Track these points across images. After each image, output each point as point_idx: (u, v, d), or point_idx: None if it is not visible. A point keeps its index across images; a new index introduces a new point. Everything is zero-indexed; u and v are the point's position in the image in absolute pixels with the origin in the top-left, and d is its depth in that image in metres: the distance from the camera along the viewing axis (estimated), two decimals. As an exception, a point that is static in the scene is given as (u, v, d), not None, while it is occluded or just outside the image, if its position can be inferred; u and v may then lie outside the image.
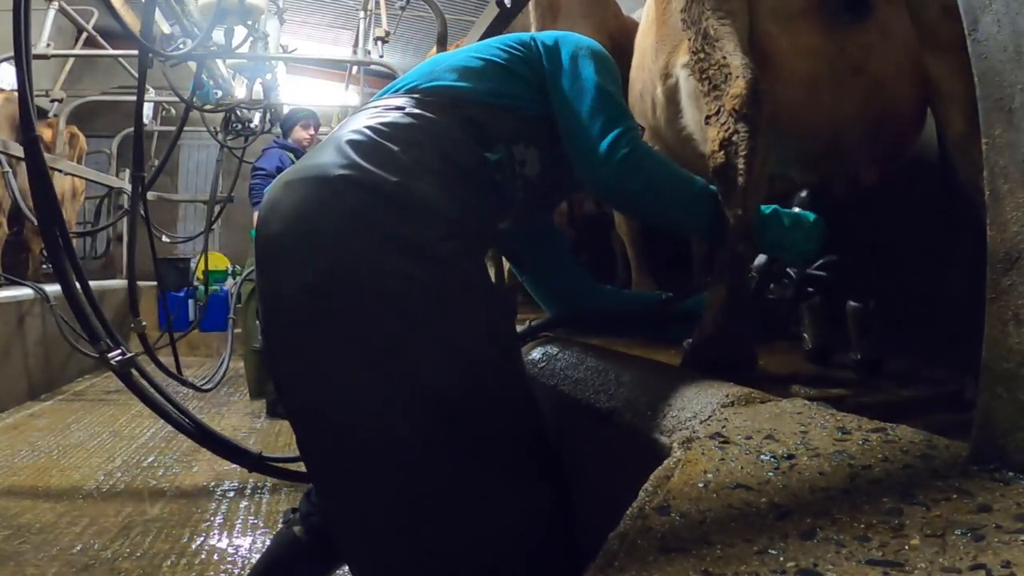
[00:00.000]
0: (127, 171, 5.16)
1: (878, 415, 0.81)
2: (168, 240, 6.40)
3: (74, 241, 5.90)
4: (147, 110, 6.28)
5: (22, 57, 1.49)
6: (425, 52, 5.08)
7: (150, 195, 5.62)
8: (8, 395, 3.95)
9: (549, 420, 1.18)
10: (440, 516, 1.01)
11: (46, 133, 5.07)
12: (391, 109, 1.15)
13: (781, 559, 0.51)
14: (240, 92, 4.43)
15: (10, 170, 4.37)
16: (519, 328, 1.53)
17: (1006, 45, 0.62)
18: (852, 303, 1.22)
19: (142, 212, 2.59)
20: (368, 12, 4.49)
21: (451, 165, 1.10)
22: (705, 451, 0.73)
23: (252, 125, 4.87)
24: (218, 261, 6.48)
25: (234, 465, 2.61)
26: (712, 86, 1.14)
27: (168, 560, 2.02)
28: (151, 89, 5.92)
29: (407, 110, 1.14)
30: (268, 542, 1.55)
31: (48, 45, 3.91)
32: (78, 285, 1.72)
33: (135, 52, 2.39)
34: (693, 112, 1.34)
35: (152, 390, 1.85)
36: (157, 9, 3.25)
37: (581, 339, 1.55)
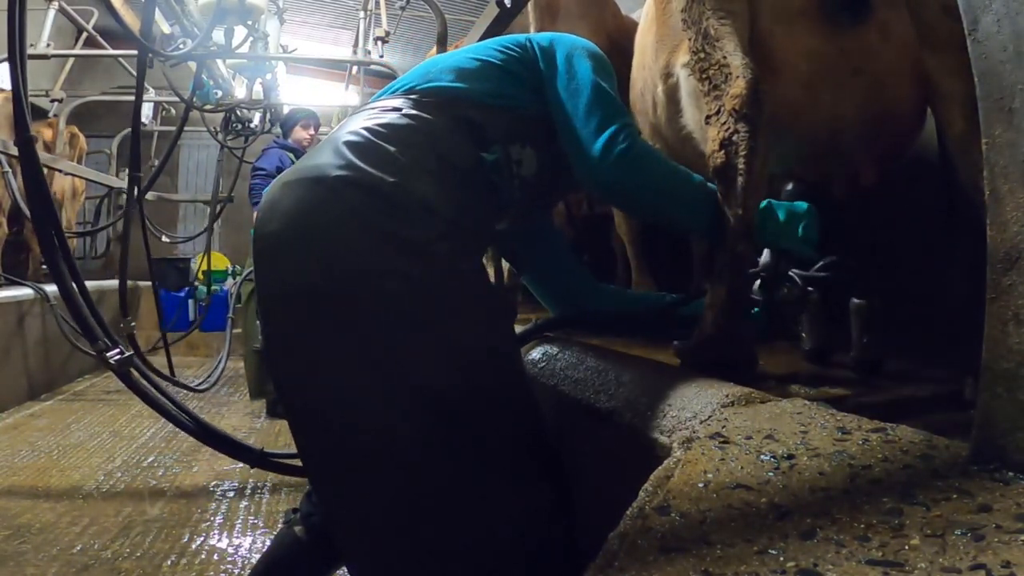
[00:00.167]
0: (127, 171, 5.15)
1: (878, 415, 0.80)
2: (168, 240, 6.40)
3: (74, 241, 5.92)
4: (147, 110, 6.28)
5: (16, 58, 1.49)
6: (425, 52, 5.08)
7: (150, 195, 5.64)
8: (8, 395, 3.95)
9: (549, 420, 1.18)
10: (440, 516, 1.01)
11: (46, 133, 5.07)
12: (388, 110, 1.15)
13: (781, 559, 0.51)
14: (240, 92, 4.43)
15: (10, 170, 4.37)
16: (520, 328, 1.53)
17: (1006, 45, 0.62)
18: (855, 300, 1.22)
19: (128, 210, 2.59)
20: (368, 12, 4.49)
21: (448, 166, 1.10)
22: (705, 451, 0.73)
23: (252, 125, 4.88)
24: (218, 261, 6.48)
25: (234, 465, 2.62)
26: (712, 86, 1.14)
27: (168, 560, 2.02)
28: (151, 89, 5.92)
29: (404, 111, 1.14)
30: (268, 542, 1.55)
31: (48, 45, 3.91)
32: (74, 285, 1.73)
33: (135, 52, 2.39)
34: (693, 112, 1.34)
35: (152, 389, 1.85)
36: (157, 9, 3.26)
37: (581, 339, 1.55)
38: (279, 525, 1.47)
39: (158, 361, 3.36)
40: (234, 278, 5.73)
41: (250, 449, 1.79)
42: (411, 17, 5.17)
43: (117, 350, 1.74)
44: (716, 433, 0.78)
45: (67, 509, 2.40)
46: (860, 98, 1.19)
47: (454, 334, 1.04)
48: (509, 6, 1.71)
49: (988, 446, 0.62)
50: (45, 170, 3.77)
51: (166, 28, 3.98)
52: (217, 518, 2.37)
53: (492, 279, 2.03)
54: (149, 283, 6.42)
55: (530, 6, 1.97)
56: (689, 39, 1.21)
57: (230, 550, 2.12)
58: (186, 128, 3.12)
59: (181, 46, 3.31)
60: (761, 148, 1.08)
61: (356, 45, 4.90)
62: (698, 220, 1.18)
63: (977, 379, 0.64)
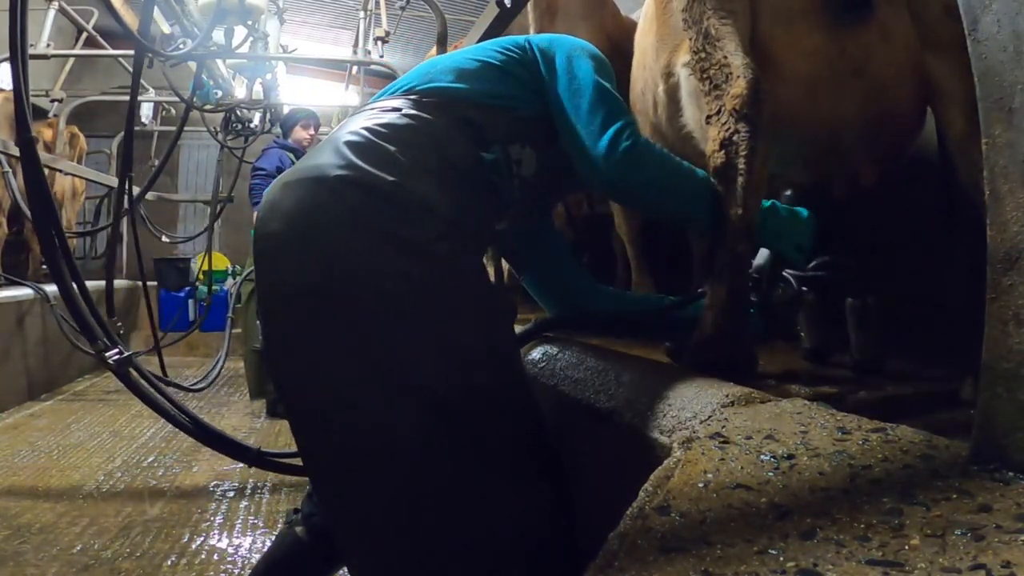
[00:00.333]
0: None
1: (878, 415, 0.81)
2: (168, 240, 6.40)
3: (74, 241, 5.91)
4: (147, 110, 6.28)
5: (18, 58, 1.49)
6: (425, 52, 5.08)
7: (150, 195, 5.64)
8: (8, 395, 3.95)
9: (549, 420, 1.18)
10: (440, 516, 1.01)
11: (46, 133, 5.07)
12: (388, 110, 1.15)
13: (781, 559, 0.51)
14: (240, 92, 4.43)
15: (10, 170, 4.37)
16: (519, 328, 1.53)
17: (1006, 45, 0.62)
18: (851, 300, 1.22)
19: (139, 211, 2.58)
20: (368, 12, 4.49)
21: (448, 166, 1.10)
22: (705, 451, 0.73)
23: (252, 125, 4.87)
24: (218, 261, 6.47)
25: (234, 465, 2.62)
26: (713, 85, 1.14)
27: (168, 560, 2.02)
28: (151, 89, 5.92)
29: (404, 111, 1.14)
30: (268, 542, 1.55)
31: (48, 45, 3.91)
32: (74, 285, 1.73)
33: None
34: (694, 111, 1.34)
35: (150, 388, 1.85)
36: (157, 9, 3.26)
37: (581, 339, 1.55)
38: (279, 525, 1.48)
39: (156, 361, 3.36)
40: (234, 278, 5.73)
41: (247, 448, 1.80)
42: (411, 17, 5.17)
43: (116, 350, 1.74)
44: (716, 433, 0.78)
45: (67, 509, 2.40)
46: (860, 98, 1.19)
47: (454, 334, 1.04)
48: (509, 6, 1.71)
49: (988, 446, 0.62)
50: (45, 170, 3.78)
51: (166, 28, 3.98)
52: (217, 518, 2.37)
53: (492, 279, 2.03)
54: (151, 283, 6.45)
55: (529, 6, 1.97)
56: (690, 39, 1.21)
57: (230, 550, 2.12)
58: (186, 128, 3.11)
59: (181, 46, 3.31)
60: (761, 148, 1.08)
61: (356, 45, 4.90)
62: (700, 214, 1.18)
63: (977, 379, 0.64)
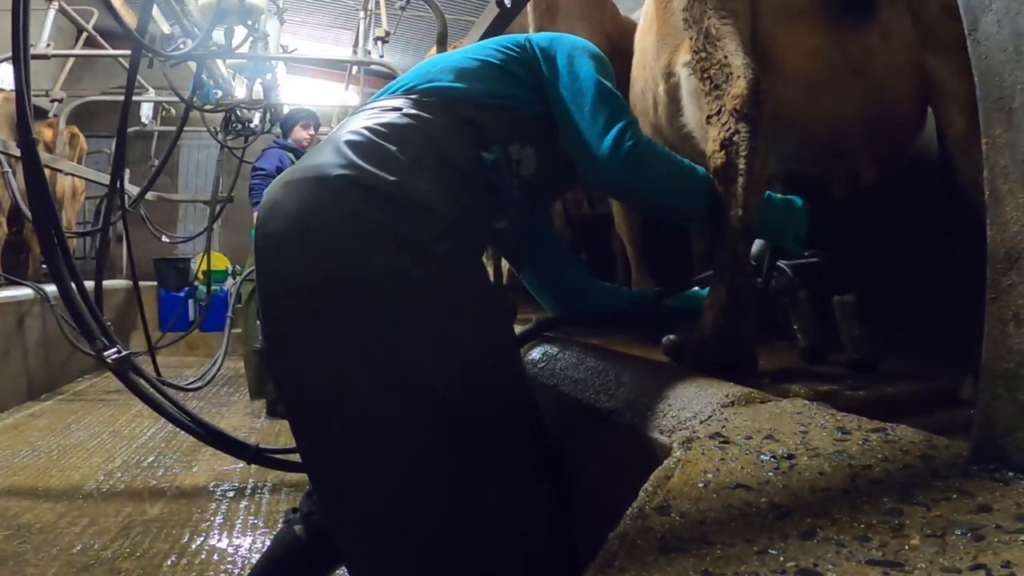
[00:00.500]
0: (127, 171, 5.15)
1: (878, 415, 0.80)
2: (168, 240, 6.40)
3: (74, 241, 5.91)
4: (147, 110, 6.27)
5: (20, 59, 1.49)
6: (425, 52, 5.08)
7: (150, 195, 5.64)
8: (8, 395, 3.95)
9: (549, 420, 1.18)
10: (440, 516, 1.01)
11: (46, 133, 5.07)
12: (389, 110, 1.15)
13: (781, 559, 0.51)
14: (240, 92, 4.43)
15: (10, 170, 4.37)
16: (519, 328, 1.53)
17: (1006, 45, 0.62)
18: (838, 297, 1.22)
19: (140, 211, 2.58)
20: (368, 12, 4.49)
21: (448, 165, 1.10)
22: (705, 451, 0.73)
23: (252, 125, 4.87)
24: (218, 261, 6.48)
25: (234, 465, 2.62)
26: (713, 85, 1.14)
27: (168, 560, 2.02)
28: (151, 89, 5.92)
29: (405, 111, 1.14)
30: (268, 542, 1.55)
31: (48, 45, 3.91)
32: (74, 285, 1.73)
33: (135, 52, 2.38)
34: (694, 111, 1.34)
35: (149, 386, 1.85)
36: (157, 9, 3.25)
37: (581, 339, 1.55)
38: (279, 525, 1.48)
39: (158, 361, 3.36)
40: (234, 278, 5.73)
41: (245, 445, 1.80)
42: (411, 17, 5.17)
43: (115, 349, 1.74)
44: (716, 433, 0.78)
45: (67, 509, 2.40)
46: (861, 99, 1.19)
47: (454, 334, 1.04)
48: (509, 6, 1.71)
49: (988, 446, 0.62)
50: (46, 170, 3.77)
51: (166, 28, 3.98)
52: (217, 518, 2.37)
53: (492, 279, 2.03)
54: (151, 283, 6.46)
55: (529, 6, 1.97)
56: (690, 38, 1.21)
57: (230, 550, 2.12)
58: (186, 128, 3.11)
59: (181, 46, 3.31)
60: (762, 148, 1.08)
61: (356, 45, 4.90)
62: (703, 212, 1.18)
63: (977, 379, 0.64)
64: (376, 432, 1.01)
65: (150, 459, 3.02)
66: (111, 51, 4.55)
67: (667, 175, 1.19)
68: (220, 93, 4.32)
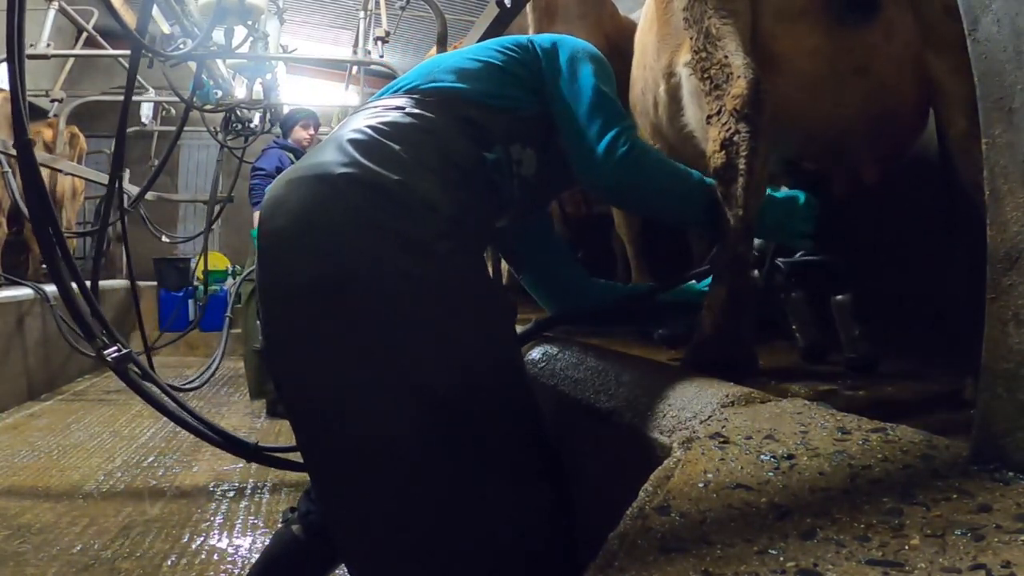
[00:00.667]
0: (127, 171, 5.16)
1: (878, 415, 0.80)
2: (168, 240, 6.40)
3: (74, 241, 5.91)
4: (147, 110, 6.27)
5: (15, 61, 1.49)
6: (425, 52, 5.08)
7: (150, 195, 5.63)
8: (8, 395, 3.95)
9: (549, 420, 1.18)
10: (439, 516, 1.01)
11: (46, 133, 5.07)
12: (391, 109, 1.15)
13: (781, 559, 0.51)
14: (240, 92, 4.43)
15: (9, 170, 4.37)
16: (519, 328, 1.53)
17: (1006, 45, 0.62)
18: (836, 298, 1.22)
19: (140, 211, 2.57)
20: (368, 12, 4.49)
21: (450, 164, 1.11)
22: (705, 451, 0.73)
23: (252, 125, 4.87)
24: (218, 261, 6.48)
25: (234, 465, 2.61)
26: (714, 85, 1.14)
27: (168, 560, 2.02)
28: (151, 89, 5.92)
29: (407, 110, 1.14)
30: (268, 542, 1.55)
31: (48, 45, 3.90)
32: (74, 285, 1.73)
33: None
34: (695, 111, 1.34)
35: (149, 385, 1.85)
36: (157, 9, 3.25)
37: (581, 339, 1.55)
38: (279, 525, 1.48)
39: (157, 361, 3.36)
40: (234, 278, 5.73)
41: (244, 443, 1.80)
42: (411, 17, 5.17)
43: (115, 347, 1.74)
44: (716, 433, 0.78)
45: (67, 509, 2.40)
46: (863, 97, 1.19)
47: (455, 333, 1.04)
48: (509, 6, 1.71)
49: (988, 446, 0.62)
50: (46, 170, 3.78)
51: (166, 28, 3.98)
52: (217, 518, 2.37)
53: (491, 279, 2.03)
54: (151, 283, 6.46)
55: (529, 7, 1.97)
56: (691, 38, 1.21)
57: (230, 550, 2.12)
58: (186, 128, 3.11)
59: (181, 46, 3.31)
60: (762, 148, 1.08)
61: (356, 45, 4.90)
62: (699, 216, 1.18)
63: (977, 379, 0.64)
64: (376, 431, 1.01)
65: (150, 459, 3.02)
66: (111, 51, 4.55)
67: (661, 180, 1.19)
68: (220, 93, 4.32)
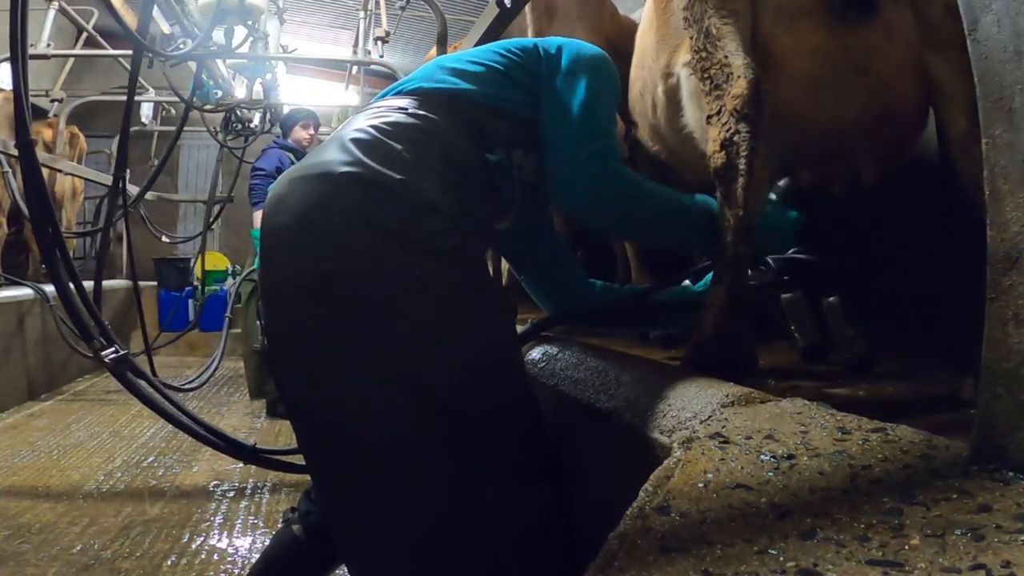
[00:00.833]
0: (127, 171, 5.14)
1: (878, 415, 0.80)
2: (168, 240, 6.39)
3: (74, 241, 5.91)
4: (147, 110, 6.27)
5: (18, 61, 1.49)
6: (425, 52, 5.08)
7: (150, 195, 5.63)
8: (8, 395, 3.95)
9: (549, 420, 1.18)
10: (440, 516, 1.01)
11: (46, 133, 5.06)
12: (394, 110, 1.15)
13: (781, 559, 0.51)
14: (240, 92, 4.43)
15: (10, 170, 4.36)
16: (518, 328, 1.53)
17: (1006, 45, 0.62)
18: (827, 300, 1.23)
19: (140, 211, 2.57)
20: (368, 12, 4.49)
21: (452, 165, 1.11)
22: (705, 451, 0.73)
23: (252, 125, 4.87)
24: (218, 261, 6.48)
25: (234, 465, 2.61)
26: (714, 85, 1.14)
27: (168, 560, 2.02)
28: (151, 89, 5.92)
29: (409, 110, 1.14)
30: (268, 542, 1.55)
31: (48, 45, 3.91)
32: (72, 286, 1.73)
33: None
34: (694, 111, 1.34)
35: (147, 386, 1.85)
36: (157, 9, 3.25)
37: (581, 339, 1.55)
38: (279, 525, 1.48)
39: (157, 361, 3.36)
40: (234, 278, 5.73)
41: (242, 445, 1.80)
42: (411, 17, 5.17)
43: (113, 349, 1.74)
44: (716, 433, 0.78)
45: (67, 509, 2.40)
46: (864, 96, 1.19)
47: (455, 333, 1.04)
48: (509, 6, 1.71)
49: (988, 446, 0.62)
50: (45, 170, 3.77)
51: (166, 28, 3.98)
52: (217, 518, 2.37)
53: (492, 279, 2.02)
54: (151, 283, 6.45)
55: (528, 7, 1.97)
56: (691, 38, 1.21)
57: (230, 550, 2.12)
58: (186, 128, 3.11)
59: (181, 46, 3.31)
60: (762, 149, 1.08)
61: (356, 45, 4.90)
62: (690, 240, 1.21)
63: (977, 379, 0.64)
64: (377, 431, 1.01)
65: (150, 459, 3.02)
66: (111, 51, 4.55)
67: (631, 201, 1.19)
68: (220, 93, 4.32)
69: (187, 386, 3.35)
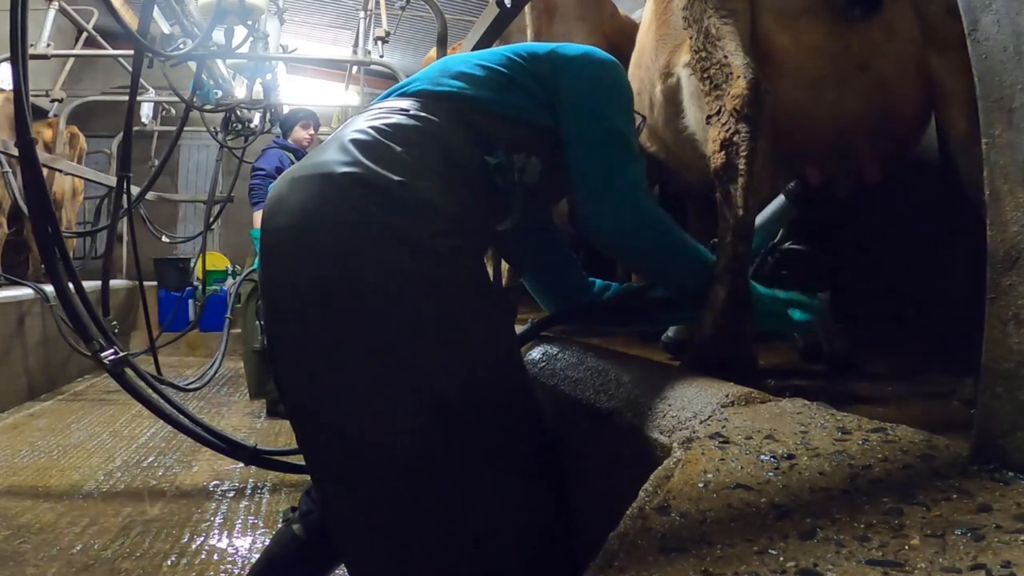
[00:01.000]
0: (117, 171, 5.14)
1: (877, 415, 0.80)
2: (168, 240, 6.38)
3: (74, 241, 5.91)
4: (147, 110, 6.27)
5: (19, 61, 1.49)
6: (425, 52, 5.08)
7: (150, 195, 5.63)
8: (8, 395, 3.95)
9: (549, 420, 1.18)
10: (440, 515, 1.01)
11: (46, 133, 5.06)
12: (395, 111, 1.15)
13: (781, 559, 0.51)
14: (240, 92, 4.43)
15: (10, 170, 4.36)
16: (518, 328, 1.53)
17: (1006, 45, 0.62)
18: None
19: (140, 211, 2.58)
20: (368, 12, 4.49)
21: (453, 166, 1.11)
22: (705, 451, 0.73)
23: (252, 125, 4.87)
24: (218, 261, 6.48)
25: (234, 465, 2.61)
26: (713, 85, 1.14)
27: (168, 560, 2.02)
28: (151, 89, 5.92)
29: (411, 112, 1.14)
30: (268, 542, 1.55)
31: (48, 45, 3.91)
32: (71, 286, 1.73)
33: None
34: (694, 112, 1.34)
35: (147, 387, 1.85)
36: (157, 9, 3.25)
37: (581, 339, 1.55)
38: (279, 525, 1.48)
39: (153, 362, 3.36)
40: (234, 278, 5.73)
41: (243, 446, 1.80)
42: (411, 17, 5.17)
43: (112, 350, 1.74)
44: (716, 433, 0.78)
45: (67, 509, 2.40)
46: (865, 96, 1.19)
47: (455, 333, 1.04)
48: (509, 6, 1.71)
49: (988, 446, 0.62)
50: (45, 170, 3.77)
51: (166, 28, 3.98)
52: (217, 518, 2.37)
53: (492, 279, 2.02)
54: (151, 283, 6.45)
55: (528, 7, 1.97)
56: (691, 38, 1.21)
57: (230, 550, 2.12)
58: (186, 128, 3.11)
59: (181, 46, 3.31)
60: (762, 148, 1.08)
61: (356, 45, 4.90)
62: (686, 293, 1.22)
63: (977, 379, 0.64)
64: (377, 431, 1.01)
65: (150, 459, 3.02)
66: (111, 51, 4.55)
67: (663, 245, 1.20)
68: (220, 93, 4.32)
69: (190, 386, 3.35)
